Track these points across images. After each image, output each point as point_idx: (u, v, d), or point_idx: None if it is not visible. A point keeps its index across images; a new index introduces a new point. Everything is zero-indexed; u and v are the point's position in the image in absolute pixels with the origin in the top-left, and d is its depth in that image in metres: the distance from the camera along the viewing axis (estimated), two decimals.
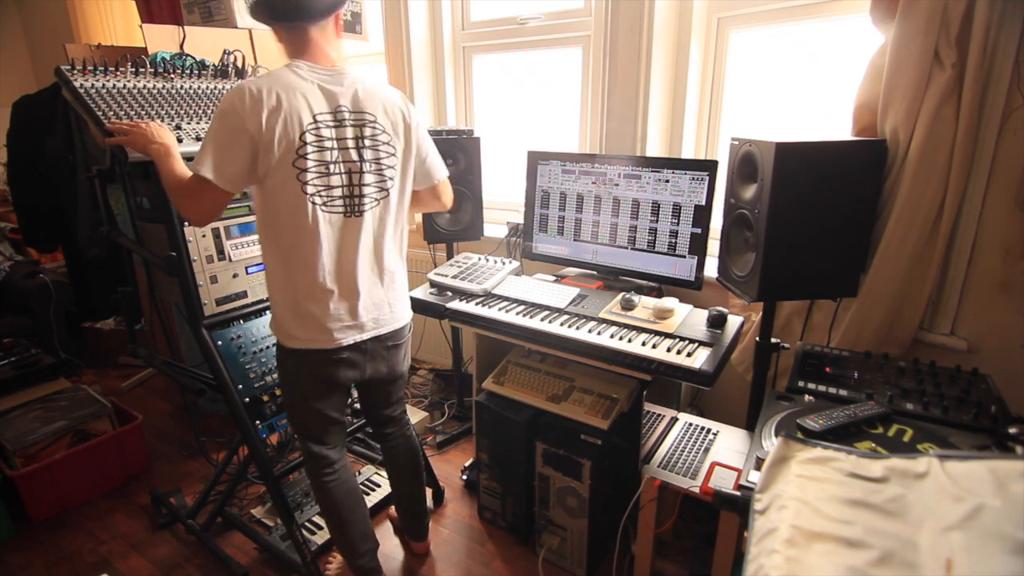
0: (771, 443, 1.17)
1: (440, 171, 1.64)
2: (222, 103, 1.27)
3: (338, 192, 1.37)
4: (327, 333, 1.43)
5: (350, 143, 1.37)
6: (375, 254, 1.47)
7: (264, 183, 1.32)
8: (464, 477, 2.28)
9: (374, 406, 1.75)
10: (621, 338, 1.64)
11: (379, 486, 2.21)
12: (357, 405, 1.96)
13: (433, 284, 2.09)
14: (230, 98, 1.26)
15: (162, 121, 1.68)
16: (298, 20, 1.32)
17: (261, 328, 1.89)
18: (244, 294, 1.81)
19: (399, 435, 1.81)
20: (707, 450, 1.70)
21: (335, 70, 1.38)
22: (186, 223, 1.70)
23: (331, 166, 1.35)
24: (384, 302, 1.52)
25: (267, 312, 1.91)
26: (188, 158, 1.65)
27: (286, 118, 1.27)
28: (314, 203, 1.33)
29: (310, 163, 1.31)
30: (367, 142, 1.40)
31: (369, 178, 1.41)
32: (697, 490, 1.53)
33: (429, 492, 2.13)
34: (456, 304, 1.93)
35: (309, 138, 1.30)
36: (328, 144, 1.34)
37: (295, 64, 1.34)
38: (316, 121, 1.31)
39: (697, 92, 2.23)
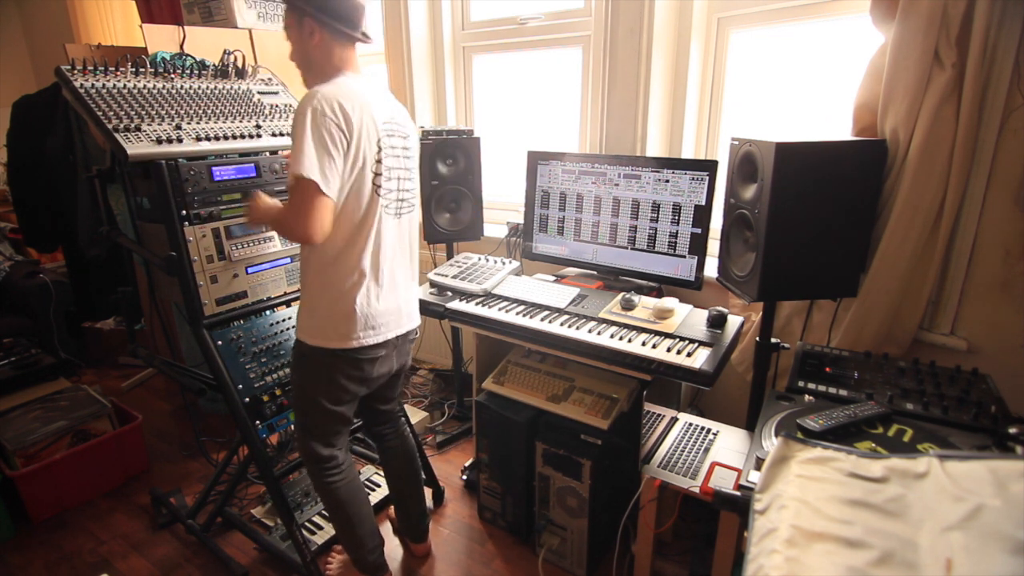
0: (771, 443, 1.17)
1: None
2: (310, 111, 1.27)
3: (393, 196, 1.47)
4: (374, 329, 1.48)
5: (399, 152, 1.49)
6: (410, 256, 1.59)
7: (341, 185, 1.34)
8: (464, 477, 2.28)
9: (377, 402, 1.77)
10: (621, 338, 1.64)
11: (379, 486, 2.21)
12: None
13: (433, 284, 2.09)
14: (319, 106, 1.27)
15: (162, 121, 1.68)
16: (359, 36, 1.43)
17: (261, 328, 1.89)
18: (244, 294, 1.81)
19: (396, 435, 1.82)
20: (707, 450, 1.70)
21: (376, 86, 1.49)
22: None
23: (391, 172, 1.45)
24: (413, 299, 1.64)
25: (268, 312, 1.92)
26: (191, 157, 1.66)
27: (369, 127, 1.37)
28: (381, 203, 1.43)
29: (383, 167, 1.41)
30: (405, 152, 1.52)
31: (407, 184, 1.53)
32: (697, 490, 1.53)
33: (429, 492, 2.13)
34: (456, 304, 1.93)
35: (383, 144, 1.41)
36: (389, 152, 1.44)
37: (350, 75, 1.43)
38: (383, 131, 1.42)
39: (697, 92, 2.23)
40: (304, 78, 1.47)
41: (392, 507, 2.09)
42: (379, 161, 1.40)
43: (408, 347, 1.68)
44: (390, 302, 1.51)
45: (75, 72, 1.65)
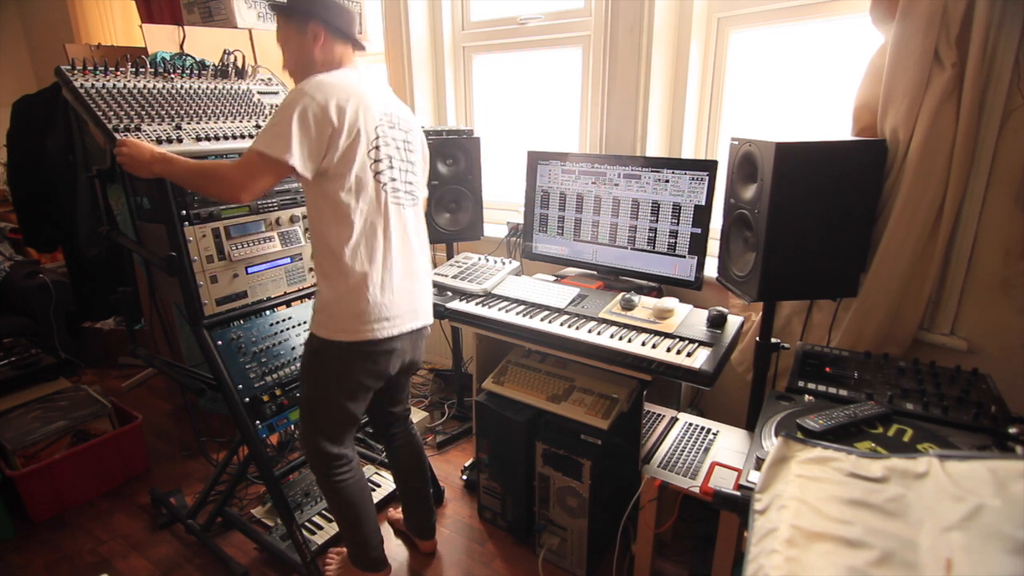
0: (771, 443, 1.17)
1: (426, 187, 1.75)
2: (301, 96, 1.30)
3: (398, 185, 1.49)
4: (388, 320, 1.47)
5: (400, 144, 1.51)
6: (420, 249, 1.59)
7: (341, 174, 1.37)
8: (464, 477, 2.28)
9: (387, 403, 1.77)
10: (621, 338, 1.64)
11: (379, 486, 2.21)
12: None
13: (433, 284, 2.09)
14: (311, 92, 1.31)
15: (162, 121, 1.68)
16: (357, 39, 1.50)
17: (261, 328, 1.89)
18: (244, 294, 1.81)
19: (405, 434, 1.83)
20: (707, 450, 1.70)
21: (373, 80, 1.51)
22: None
23: (392, 160, 1.47)
24: (425, 293, 1.63)
25: (268, 312, 1.92)
26: (191, 157, 1.65)
27: (364, 114, 1.38)
28: (386, 192, 1.44)
29: (382, 155, 1.43)
30: (407, 145, 1.54)
31: (411, 177, 1.55)
32: (697, 490, 1.53)
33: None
34: (456, 304, 1.93)
35: (380, 132, 1.43)
36: (389, 141, 1.46)
37: (348, 70, 1.47)
38: (380, 120, 1.43)
39: (697, 92, 2.23)
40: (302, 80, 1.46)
41: (391, 508, 2.09)
42: (377, 148, 1.41)
43: (422, 343, 1.67)
44: (401, 294, 1.50)
45: (75, 72, 1.65)
